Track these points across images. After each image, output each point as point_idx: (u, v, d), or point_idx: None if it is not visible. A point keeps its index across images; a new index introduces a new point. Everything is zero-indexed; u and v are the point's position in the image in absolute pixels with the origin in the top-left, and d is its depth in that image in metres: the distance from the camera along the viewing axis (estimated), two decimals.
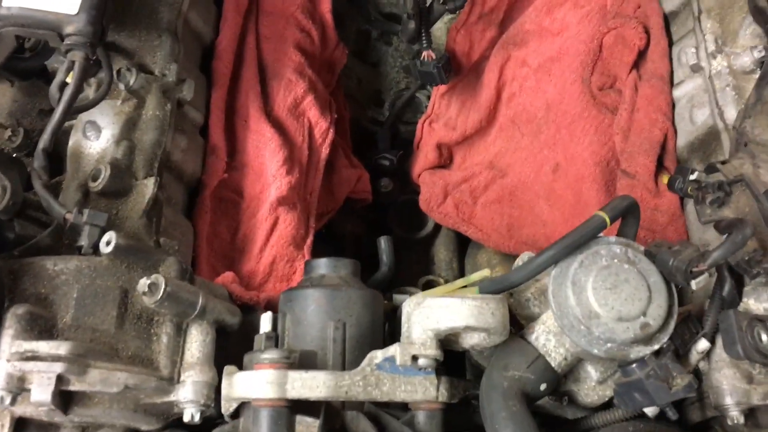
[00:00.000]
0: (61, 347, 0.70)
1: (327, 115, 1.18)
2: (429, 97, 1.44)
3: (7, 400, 0.69)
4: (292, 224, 1.04)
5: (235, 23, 1.14)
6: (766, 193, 0.80)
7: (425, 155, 1.34)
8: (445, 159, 1.36)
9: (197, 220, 1.02)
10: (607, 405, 0.82)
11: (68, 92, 0.84)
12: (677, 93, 1.10)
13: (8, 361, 0.70)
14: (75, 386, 0.72)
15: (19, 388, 0.70)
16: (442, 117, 1.38)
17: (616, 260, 0.76)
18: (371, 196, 1.32)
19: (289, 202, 1.06)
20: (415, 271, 1.34)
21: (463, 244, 1.38)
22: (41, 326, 0.73)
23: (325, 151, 1.17)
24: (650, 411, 0.77)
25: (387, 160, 1.40)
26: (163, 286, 0.75)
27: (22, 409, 0.74)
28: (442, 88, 1.35)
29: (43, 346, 0.70)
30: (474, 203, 1.27)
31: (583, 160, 1.15)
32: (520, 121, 1.30)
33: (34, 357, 0.70)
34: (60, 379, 0.71)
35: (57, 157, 0.97)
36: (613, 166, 1.13)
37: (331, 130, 1.18)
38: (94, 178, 0.89)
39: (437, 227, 1.38)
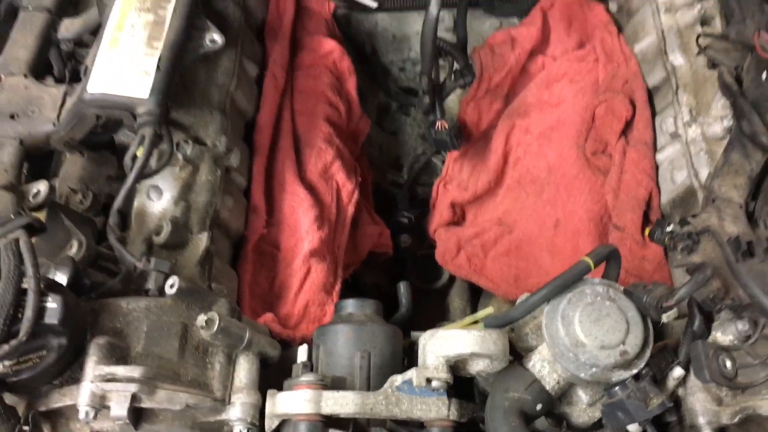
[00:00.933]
0: (134, 371, 0.85)
1: (352, 179, 1.33)
2: (443, 162, 1.56)
3: (91, 415, 0.83)
4: (322, 273, 1.18)
5: (273, 101, 1.31)
6: (729, 242, 0.94)
7: (440, 213, 1.47)
8: (458, 217, 1.48)
9: (241, 270, 1.17)
10: (598, 426, 0.94)
11: (139, 162, 1.00)
12: (660, 157, 1.25)
13: (92, 382, 0.84)
14: (145, 404, 0.86)
15: (100, 405, 0.84)
16: (455, 179, 1.51)
17: (599, 298, 0.89)
18: (392, 250, 1.44)
19: (320, 254, 1.20)
20: (433, 318, 1.46)
21: (475, 294, 1.50)
22: (118, 354, 0.87)
23: (351, 210, 1.32)
24: (633, 429, 0.89)
25: (406, 218, 1.55)
26: (217, 322, 0.89)
27: (100, 425, 0.88)
28: (455, 153, 1.48)
29: (120, 370, 0.85)
30: (485, 256, 1.40)
31: (580, 216, 1.29)
32: (524, 182, 1.44)
33: (113, 379, 0.84)
34: (134, 397, 0.85)
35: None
36: (605, 221, 1.26)
37: (356, 192, 1.33)
38: (157, 233, 1.05)
39: (452, 278, 1.51)
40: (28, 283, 0.82)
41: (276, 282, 1.19)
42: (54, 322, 0.82)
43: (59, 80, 1.21)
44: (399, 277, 1.47)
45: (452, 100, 1.62)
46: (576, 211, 1.29)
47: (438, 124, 1.39)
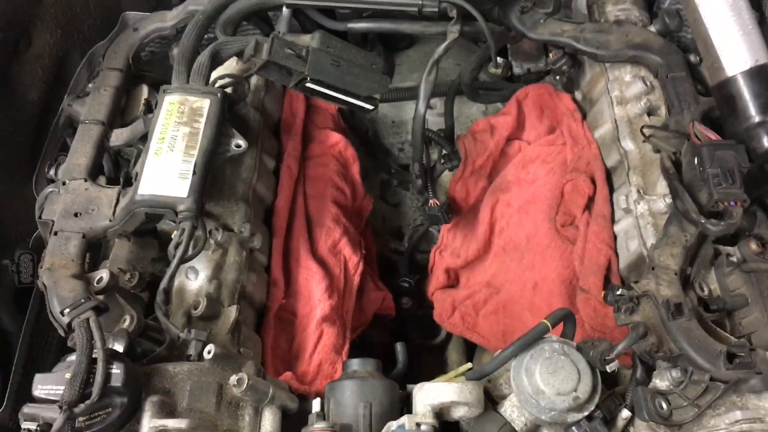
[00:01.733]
0: (182, 423, 1.04)
1: (357, 252, 1.54)
2: (439, 231, 1.77)
3: None
4: (333, 336, 1.38)
5: (288, 189, 1.52)
6: (663, 303, 1.14)
7: (437, 278, 1.67)
8: (452, 280, 1.67)
9: (264, 335, 1.37)
10: None
11: (180, 249, 1.21)
12: (617, 228, 1.44)
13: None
14: None
15: None
16: (449, 247, 1.70)
17: (555, 353, 1.09)
18: (394, 312, 1.64)
19: (331, 320, 1.41)
20: (433, 370, 1.63)
21: (470, 348, 1.69)
22: (167, 409, 1.07)
23: (356, 280, 1.52)
24: None
25: (407, 282, 1.75)
26: (246, 381, 1.10)
27: None
28: (448, 225, 1.71)
29: (170, 423, 1.04)
30: (476, 315, 1.59)
31: (553, 279, 1.48)
32: (508, 249, 1.63)
33: (165, 430, 1.05)
34: None
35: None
36: (574, 284, 1.45)
37: (361, 263, 1.53)
38: (195, 307, 1.26)
39: (449, 335, 1.70)
40: (98, 354, 1.04)
41: (294, 344, 1.39)
42: (118, 384, 1.03)
43: (111, 180, 1.46)
44: (402, 335, 1.68)
45: (446, 174, 1.83)
46: (549, 275, 1.49)
47: (431, 202, 1.59)
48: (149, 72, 1.67)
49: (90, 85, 1.55)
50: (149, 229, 1.42)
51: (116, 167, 1.49)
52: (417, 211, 1.92)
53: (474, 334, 1.58)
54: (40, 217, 1.34)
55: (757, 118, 1.28)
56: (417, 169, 1.57)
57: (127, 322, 1.21)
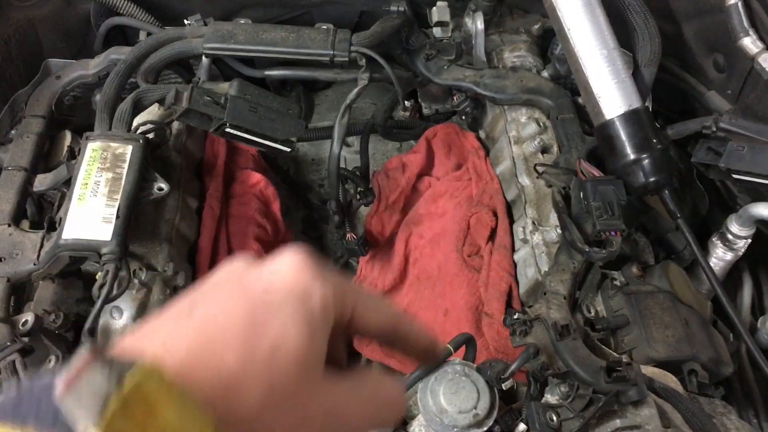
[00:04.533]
0: None
1: None
2: (358, 263, 1.91)
3: None
4: None
5: (211, 228, 1.57)
6: (552, 325, 1.27)
7: None
8: None
9: None
10: None
11: (105, 290, 1.28)
12: (516, 257, 1.55)
13: None
14: None
15: None
16: (368, 278, 1.79)
17: (457, 374, 1.20)
18: None
19: None
20: None
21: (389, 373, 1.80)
22: None
23: None
24: None
25: None
26: None
27: None
28: (365, 257, 1.82)
29: None
30: None
31: (461, 306, 1.59)
32: (422, 278, 1.74)
33: None
34: None
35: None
36: (480, 310, 1.56)
37: None
38: None
39: (368, 362, 1.80)
40: None
41: None
42: None
43: (34, 224, 1.51)
44: None
45: (365, 210, 1.94)
46: (458, 302, 1.60)
47: (348, 236, 1.71)
48: (72, 117, 1.72)
49: (13, 131, 1.59)
50: (73, 270, 1.47)
51: (39, 211, 1.54)
52: (337, 244, 2.01)
53: (391, 360, 1.67)
54: None
55: (632, 156, 1.43)
56: (333, 206, 1.68)
57: (52, 363, 1.25)
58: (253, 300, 0.53)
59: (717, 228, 1.65)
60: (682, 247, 1.57)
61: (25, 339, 1.20)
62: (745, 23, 1.43)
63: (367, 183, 1.78)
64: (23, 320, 1.24)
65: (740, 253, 1.60)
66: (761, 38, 1.43)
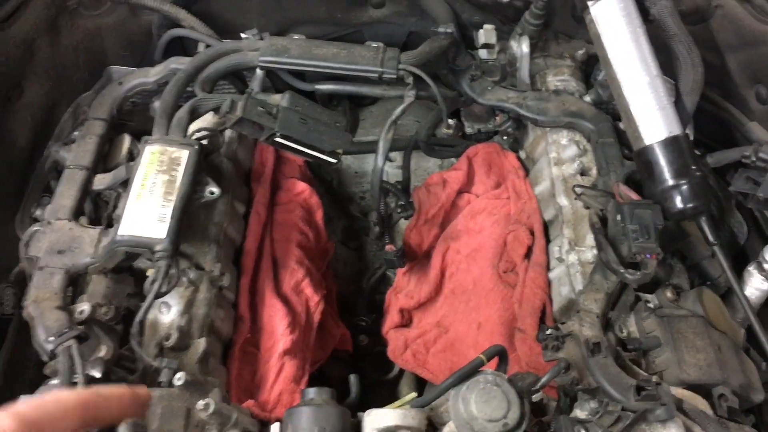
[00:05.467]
0: None
1: (319, 292, 1.67)
2: (395, 275, 1.96)
3: None
4: (293, 368, 1.50)
5: (256, 232, 1.64)
6: (584, 343, 1.30)
7: (391, 317, 1.79)
8: (406, 320, 1.80)
9: (229, 366, 1.47)
10: None
11: (156, 286, 1.35)
12: (551, 275, 1.59)
13: None
14: None
15: None
16: (403, 289, 1.84)
17: (489, 384, 1.23)
18: (352, 348, 1.79)
19: (292, 353, 1.53)
20: (386, 403, 1.76)
21: (420, 383, 1.83)
22: (140, 431, 1.20)
23: (317, 317, 1.65)
24: None
25: (364, 321, 1.90)
26: (212, 406, 1.22)
27: None
28: (402, 269, 1.87)
29: None
30: (426, 353, 1.72)
31: (494, 320, 1.63)
32: (457, 292, 1.78)
33: None
34: None
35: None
36: (513, 325, 1.59)
37: (322, 302, 1.66)
38: (167, 339, 1.38)
39: (401, 371, 1.84)
40: (78, 378, 1.16)
41: (257, 375, 1.51)
42: None
43: (91, 221, 1.59)
44: (358, 370, 1.80)
45: (405, 223, 2.00)
46: (492, 316, 1.64)
47: (387, 247, 1.75)
48: (130, 122, 1.81)
49: (76, 132, 1.68)
50: (125, 266, 1.54)
51: (96, 209, 1.62)
52: (376, 256, 2.07)
53: (424, 370, 1.72)
54: (26, 254, 1.45)
55: (670, 182, 1.46)
56: (375, 217, 1.73)
57: (103, 352, 1.32)
58: None
59: (755, 257, 1.66)
60: (718, 275, 1.59)
61: (81, 327, 1.27)
62: None
63: (407, 197, 1.83)
64: (80, 310, 1.31)
65: None
66: None
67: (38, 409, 0.73)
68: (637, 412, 1.20)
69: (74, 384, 1.15)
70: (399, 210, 1.82)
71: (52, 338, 1.21)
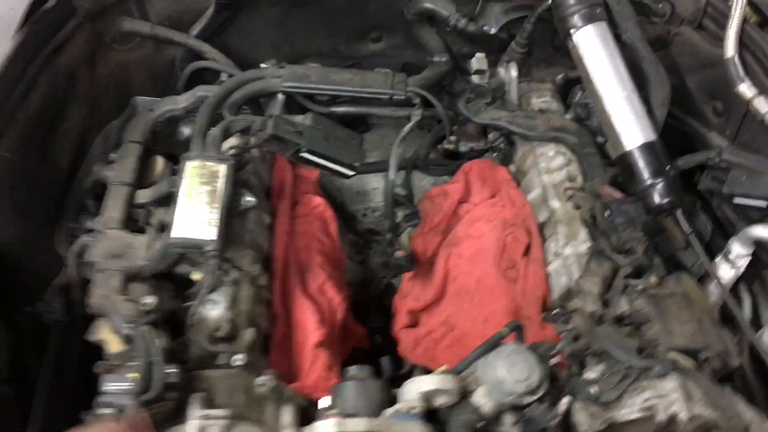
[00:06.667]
0: (221, 411, 1.29)
1: (340, 293, 1.82)
2: (399, 282, 2.11)
3: None
4: (325, 358, 1.63)
5: (282, 240, 1.79)
6: (590, 315, 1.50)
7: (401, 319, 1.94)
8: (414, 320, 1.93)
9: (269, 357, 1.65)
10: None
11: (206, 284, 1.51)
12: (549, 269, 1.78)
13: (197, 419, 1.30)
14: None
15: None
16: (410, 294, 1.99)
17: (513, 352, 1.41)
18: (369, 346, 1.97)
19: (323, 345, 1.66)
20: None
21: None
22: (208, 403, 1.34)
23: (340, 315, 1.79)
24: None
25: (376, 323, 2.08)
26: (269, 382, 1.38)
27: None
28: (409, 274, 2.02)
29: (213, 412, 1.30)
30: (436, 348, 1.86)
31: (499, 312, 1.78)
32: (460, 292, 1.95)
33: (208, 416, 1.30)
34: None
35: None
36: (518, 314, 1.78)
37: (343, 302, 1.83)
38: (217, 330, 1.51)
39: (413, 366, 2.00)
40: (156, 359, 1.31)
41: (292, 365, 1.65)
42: (176, 380, 1.29)
43: (136, 230, 1.73)
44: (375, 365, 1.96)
45: (409, 232, 2.17)
46: (497, 310, 1.81)
47: (397, 253, 1.95)
48: (155, 146, 1.97)
49: (113, 154, 1.83)
50: (165, 273, 1.69)
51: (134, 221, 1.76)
52: (379, 267, 2.24)
53: (435, 364, 1.87)
54: (80, 260, 1.59)
55: (648, 181, 1.69)
56: (387, 225, 1.92)
57: (163, 341, 1.46)
58: None
59: (718, 252, 1.90)
60: (692, 264, 1.82)
61: (151, 315, 1.41)
62: (741, 73, 1.72)
63: (413, 207, 2.03)
64: (145, 301, 1.45)
65: (740, 271, 1.84)
66: (754, 85, 1.71)
67: None
68: (639, 370, 1.40)
69: (150, 365, 1.29)
70: (405, 219, 2.01)
71: (128, 324, 1.35)
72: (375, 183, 2.26)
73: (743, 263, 1.83)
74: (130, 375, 1.28)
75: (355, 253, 2.27)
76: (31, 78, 1.60)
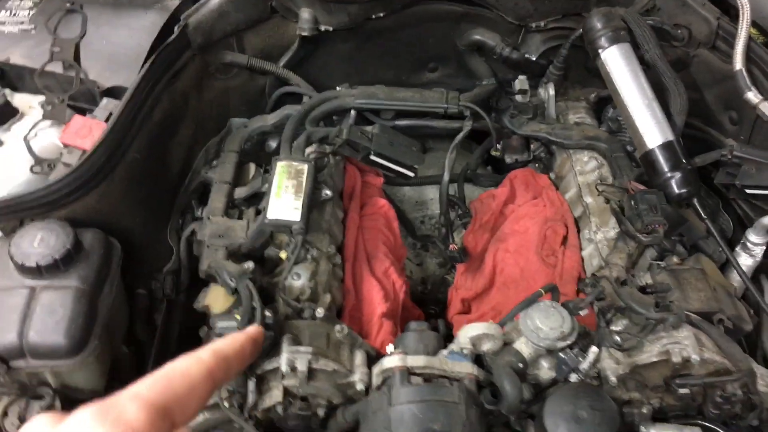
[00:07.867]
0: (308, 349, 1.61)
1: (402, 278, 2.14)
2: (453, 276, 2.43)
3: (287, 371, 1.59)
4: (390, 326, 1.94)
5: (353, 231, 2.12)
6: (615, 279, 1.76)
7: (455, 306, 2.23)
8: (466, 308, 2.23)
9: None
10: (555, 382, 1.68)
11: (295, 253, 1.83)
12: (584, 253, 2.07)
13: (286, 354, 1.61)
14: (314, 366, 1.60)
15: (290, 366, 1.60)
16: (463, 285, 2.28)
17: (547, 307, 1.68)
18: None
19: (387, 316, 1.98)
20: None
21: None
22: (297, 343, 1.65)
23: (401, 296, 2.11)
24: (573, 377, 1.64)
25: (433, 310, 2.37)
26: (346, 329, 1.69)
27: (288, 381, 1.62)
28: (462, 267, 2.30)
29: (301, 348, 1.62)
30: None
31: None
32: (508, 283, 2.22)
33: (297, 351, 1.61)
34: (309, 362, 1.61)
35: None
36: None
37: (405, 285, 2.14)
38: (302, 294, 1.85)
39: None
40: (257, 304, 1.63)
41: (362, 332, 1.97)
42: (271, 322, 1.61)
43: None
44: None
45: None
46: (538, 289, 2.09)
47: (451, 246, 2.26)
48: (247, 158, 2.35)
49: (214, 162, 2.21)
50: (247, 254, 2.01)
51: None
52: (436, 267, 2.54)
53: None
54: (193, 238, 1.96)
55: (668, 174, 1.96)
56: (443, 221, 2.23)
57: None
58: None
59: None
60: (711, 252, 2.06)
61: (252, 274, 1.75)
62: (748, 82, 2.00)
63: (465, 208, 2.33)
64: (246, 265, 1.79)
65: (758, 259, 2.07)
66: (760, 92, 1.98)
67: (166, 392, 0.68)
68: (656, 321, 1.65)
69: (252, 309, 1.62)
70: (459, 218, 2.32)
71: (234, 279, 1.69)
72: (432, 194, 2.58)
73: (760, 251, 2.05)
74: (236, 314, 1.61)
75: (413, 256, 2.58)
76: (156, 96, 1.99)
